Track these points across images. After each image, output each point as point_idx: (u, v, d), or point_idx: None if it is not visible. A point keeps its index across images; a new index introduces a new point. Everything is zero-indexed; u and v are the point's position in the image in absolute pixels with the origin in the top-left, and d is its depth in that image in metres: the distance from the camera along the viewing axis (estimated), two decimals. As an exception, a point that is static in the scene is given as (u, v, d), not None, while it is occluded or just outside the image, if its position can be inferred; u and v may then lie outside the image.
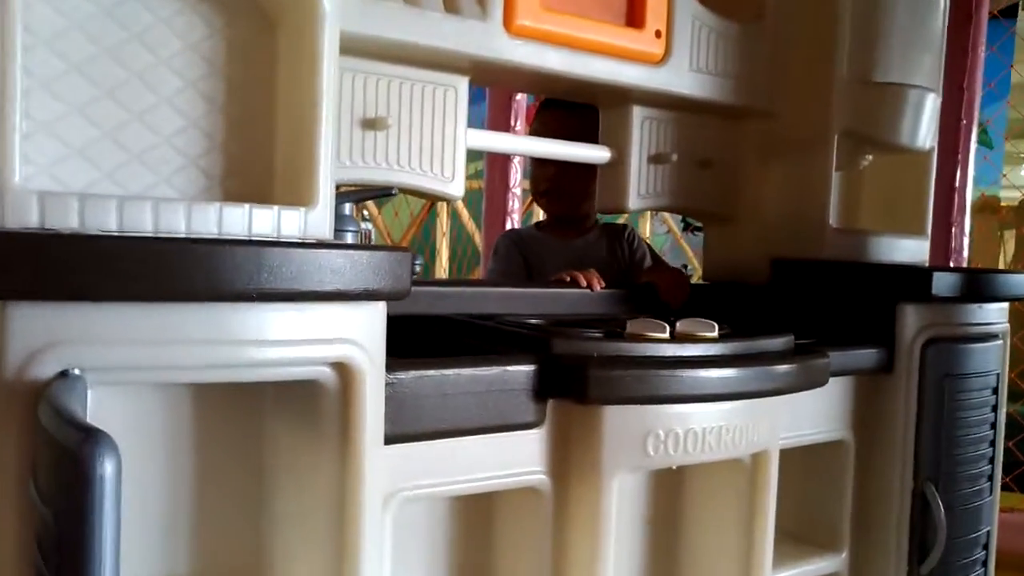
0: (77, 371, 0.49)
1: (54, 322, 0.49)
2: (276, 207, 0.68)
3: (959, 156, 1.88)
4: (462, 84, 0.91)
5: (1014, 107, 4.51)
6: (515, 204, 2.20)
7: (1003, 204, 3.59)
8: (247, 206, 0.66)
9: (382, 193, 0.87)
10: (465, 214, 3.56)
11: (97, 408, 0.53)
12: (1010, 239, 4.30)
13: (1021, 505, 2.03)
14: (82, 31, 0.67)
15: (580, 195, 1.29)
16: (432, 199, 0.94)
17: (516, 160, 2.19)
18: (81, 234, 0.52)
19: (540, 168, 1.34)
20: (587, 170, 1.14)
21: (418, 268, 0.87)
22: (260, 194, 0.74)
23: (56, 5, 0.65)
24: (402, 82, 0.87)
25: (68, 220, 0.61)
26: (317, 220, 0.69)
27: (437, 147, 0.90)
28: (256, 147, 0.74)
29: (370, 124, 0.85)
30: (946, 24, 1.13)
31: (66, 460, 0.37)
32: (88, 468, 0.35)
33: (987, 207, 3.47)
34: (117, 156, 0.69)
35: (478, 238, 4.00)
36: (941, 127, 1.90)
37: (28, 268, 0.48)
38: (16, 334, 0.48)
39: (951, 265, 1.89)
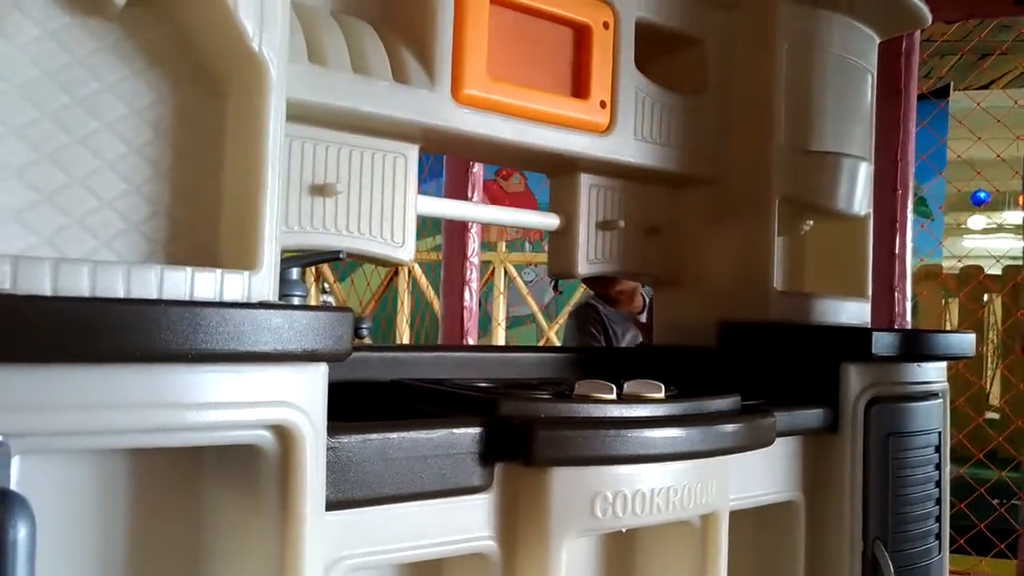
0: (2, 439, 0.47)
1: (-20, 385, 0.48)
2: (219, 270, 0.67)
3: (897, 224, 1.95)
4: (412, 151, 0.93)
5: (950, 182, 4.71)
6: (473, 274, 2.21)
7: (945, 272, 3.72)
8: (189, 269, 0.66)
9: (329, 257, 0.87)
10: (424, 282, 3.57)
11: (23, 474, 0.51)
12: (954, 306, 4.44)
13: (979, 568, 2.03)
14: (23, 94, 0.67)
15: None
16: (382, 264, 0.94)
17: (473, 231, 2.22)
18: (2, 294, 0.51)
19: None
20: None
21: (365, 332, 0.86)
22: (205, 259, 0.74)
23: (2, 73, 0.66)
24: (352, 149, 0.88)
25: (39, 287, 0.59)
26: (261, 284, 0.69)
27: (387, 213, 0.90)
28: (201, 212, 0.74)
29: (319, 190, 0.86)
30: (875, 99, 1.19)
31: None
32: (1, 532, 0.33)
33: (930, 275, 3.59)
34: (57, 220, 0.68)
35: (436, 306, 4.02)
36: (878, 196, 1.98)
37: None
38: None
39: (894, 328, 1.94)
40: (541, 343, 4.57)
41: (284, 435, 0.58)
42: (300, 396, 0.58)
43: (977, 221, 7.52)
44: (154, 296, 0.64)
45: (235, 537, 0.63)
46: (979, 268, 3.90)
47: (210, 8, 0.68)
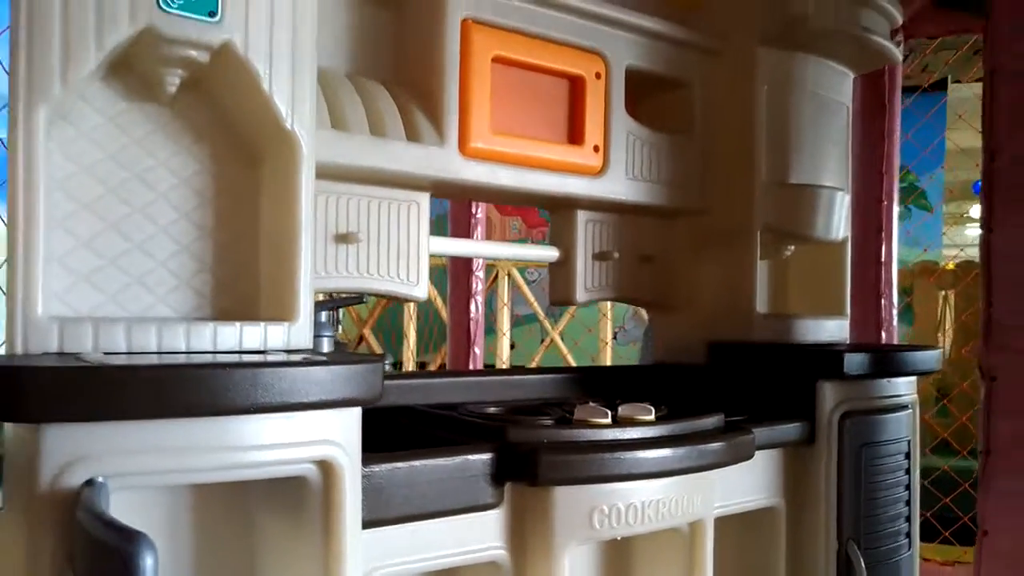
0: (101, 479, 0.58)
1: (80, 439, 0.58)
2: (263, 323, 0.78)
3: (883, 234, 2.04)
4: (424, 199, 1.03)
5: (949, 171, 4.78)
6: (479, 286, 2.32)
7: (943, 266, 3.79)
8: (238, 324, 0.76)
9: (353, 301, 0.97)
10: (433, 291, 3.68)
11: (114, 509, 0.61)
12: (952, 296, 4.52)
13: (964, 558, 2.13)
14: (89, 173, 0.77)
15: None
16: (400, 301, 1.04)
17: (479, 232, 2.32)
18: (100, 365, 0.61)
19: None
20: None
21: (388, 367, 0.96)
22: (246, 309, 0.84)
23: (68, 153, 0.76)
24: (370, 200, 0.98)
25: (83, 343, 0.70)
26: (299, 332, 0.79)
27: (403, 256, 1.01)
28: (242, 267, 0.85)
29: (343, 238, 0.96)
30: (851, 128, 1.28)
31: (111, 558, 0.46)
32: (133, 564, 0.44)
33: (925, 271, 3.67)
34: (120, 280, 0.79)
35: (443, 311, 4.12)
36: (865, 208, 2.07)
37: (57, 396, 0.57)
38: (49, 451, 0.57)
39: (883, 335, 2.04)
40: (545, 345, 4.67)
41: (326, 468, 0.68)
42: (339, 434, 0.69)
43: (978, 210, 7.59)
44: (209, 348, 0.75)
45: (284, 556, 0.73)
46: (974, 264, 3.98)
47: (249, 93, 0.78)
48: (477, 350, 2.37)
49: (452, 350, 2.38)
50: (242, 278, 0.84)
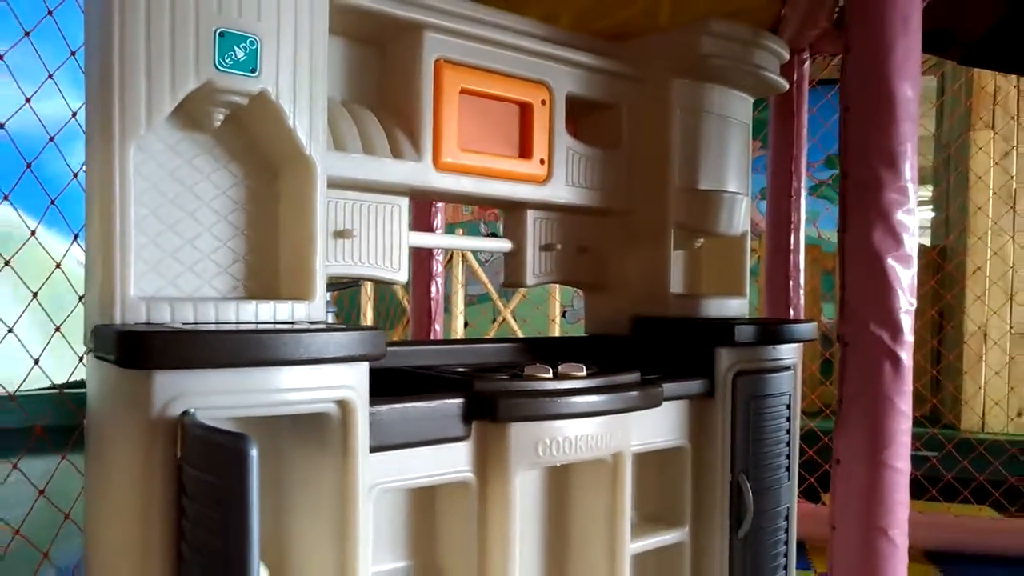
0: (193, 410, 0.83)
1: (180, 382, 0.82)
2: (290, 302, 1.03)
3: (792, 225, 2.35)
4: (404, 202, 1.28)
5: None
6: (438, 268, 2.57)
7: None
8: (272, 302, 1.01)
9: (352, 284, 1.22)
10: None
11: (197, 433, 0.86)
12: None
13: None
14: (155, 188, 1.01)
15: None
16: (386, 284, 1.29)
17: (440, 216, 2.58)
18: (193, 329, 0.86)
19: None
20: None
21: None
22: (269, 290, 1.09)
23: (140, 172, 0.99)
24: (362, 204, 1.23)
25: (163, 315, 0.95)
26: (316, 308, 1.05)
27: (388, 248, 1.26)
28: (266, 258, 1.09)
29: (340, 234, 1.20)
30: (750, 146, 1.57)
31: (226, 450, 0.71)
32: (243, 451, 0.69)
33: (807, 255, 4.02)
34: (176, 268, 1.03)
35: (400, 293, 4.36)
36: (777, 203, 2.38)
37: (165, 351, 0.81)
38: (158, 390, 0.82)
39: (791, 313, 2.35)
40: (498, 322, 4.94)
41: (344, 406, 0.94)
42: (354, 382, 0.94)
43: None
44: (251, 319, 1.00)
45: (310, 476, 0.98)
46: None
47: (277, 127, 1.03)
48: (437, 327, 2.63)
49: (414, 328, 2.64)
50: (266, 266, 1.09)
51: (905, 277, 1.26)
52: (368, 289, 4.12)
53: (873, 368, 1.26)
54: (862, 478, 1.27)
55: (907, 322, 1.26)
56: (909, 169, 1.27)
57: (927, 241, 4.11)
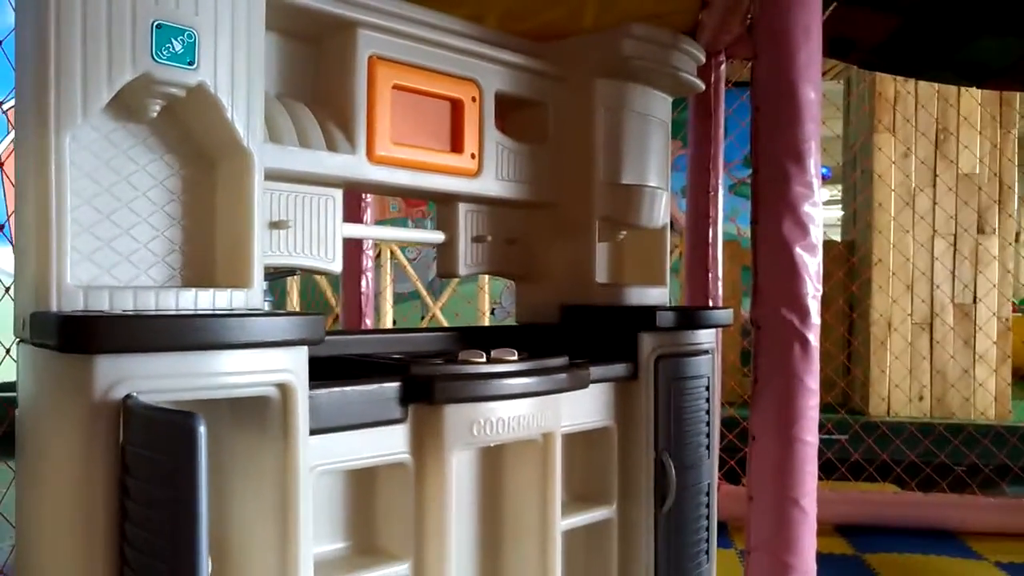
0: (135, 393, 0.84)
1: (122, 366, 0.84)
2: (229, 290, 1.05)
3: (710, 220, 2.46)
4: (338, 194, 1.31)
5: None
6: (369, 263, 2.59)
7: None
8: (212, 290, 1.03)
9: (287, 273, 1.24)
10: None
11: (140, 417, 0.88)
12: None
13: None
14: (90, 177, 1.02)
15: None
16: (321, 274, 1.31)
17: (368, 211, 2.59)
18: (134, 314, 0.87)
19: None
20: None
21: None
22: (206, 279, 1.10)
23: (75, 161, 1.00)
24: (297, 195, 1.25)
25: (101, 304, 0.95)
26: (254, 296, 1.07)
27: (323, 238, 1.28)
28: (203, 247, 1.11)
29: (276, 225, 1.23)
30: (669, 144, 1.65)
31: (174, 428, 0.74)
32: (194, 430, 0.72)
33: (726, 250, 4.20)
34: (112, 258, 1.03)
35: (326, 288, 4.35)
36: (696, 198, 2.49)
37: (107, 335, 0.83)
38: (100, 374, 0.83)
39: (710, 303, 2.47)
40: (427, 319, 4.96)
41: (284, 389, 0.97)
42: (294, 365, 0.97)
43: (822, 194, 8.45)
44: (191, 307, 1.02)
45: (249, 461, 1.01)
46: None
47: (215, 119, 1.05)
48: (368, 322, 2.65)
49: (345, 323, 2.65)
50: (202, 255, 1.11)
51: (812, 265, 1.36)
52: (289, 283, 4.10)
53: (784, 349, 1.35)
54: (775, 452, 1.37)
55: (814, 306, 1.35)
56: (813, 165, 1.36)
57: (837, 237, 4.34)
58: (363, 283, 2.58)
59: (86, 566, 0.82)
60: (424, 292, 4.97)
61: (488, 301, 4.74)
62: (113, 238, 1.03)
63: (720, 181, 2.52)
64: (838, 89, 4.26)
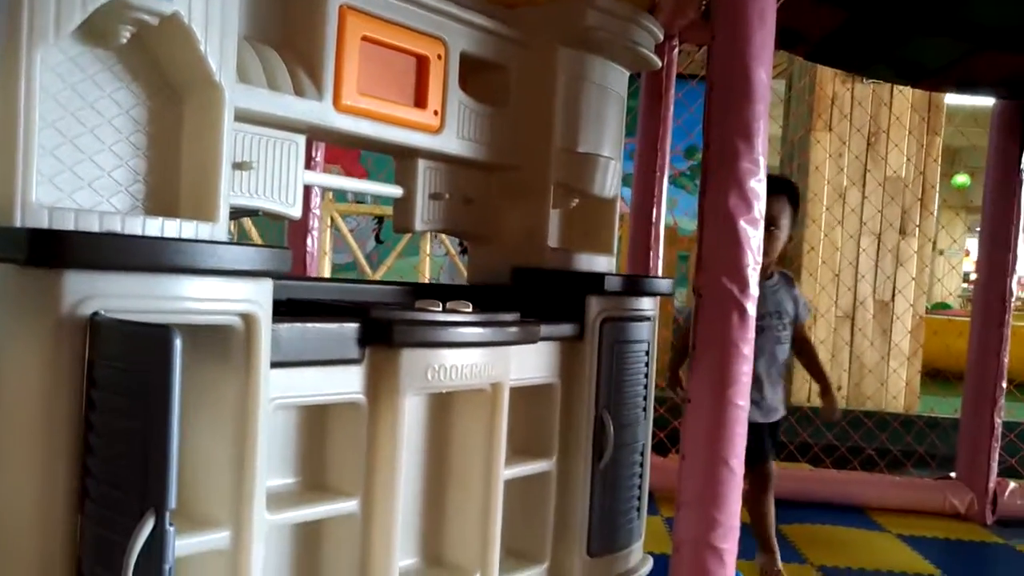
0: (103, 312, 0.85)
1: (90, 282, 0.85)
2: (195, 222, 1.06)
3: (654, 198, 2.54)
4: (301, 140, 1.31)
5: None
6: (315, 223, 2.58)
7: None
8: (178, 220, 1.04)
9: (250, 213, 1.25)
10: (254, 231, 3.86)
11: (104, 337, 0.88)
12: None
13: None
14: (55, 100, 1.01)
15: (769, 255, 1.94)
16: (281, 218, 1.32)
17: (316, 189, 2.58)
18: (106, 232, 0.88)
19: None
20: (773, 236, 1.84)
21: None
22: (168, 211, 1.11)
23: (42, 84, 0.99)
24: (262, 138, 1.26)
25: (66, 225, 0.95)
26: (220, 231, 1.08)
27: (284, 183, 1.29)
28: (167, 180, 1.11)
29: (239, 165, 1.23)
30: (624, 117, 1.71)
31: (149, 341, 0.75)
32: (171, 341, 0.74)
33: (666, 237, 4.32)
34: (74, 182, 1.03)
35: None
36: (642, 177, 2.56)
37: (77, 250, 0.84)
38: (68, 289, 0.84)
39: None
40: (366, 289, 4.94)
41: (248, 320, 0.99)
42: (258, 297, 0.99)
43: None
44: (158, 235, 1.02)
45: (211, 392, 1.02)
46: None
47: (187, 51, 1.05)
48: (312, 282, 2.64)
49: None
50: (166, 188, 1.11)
51: (754, 238, 1.44)
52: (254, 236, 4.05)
53: (722, 317, 1.42)
54: (709, 414, 1.44)
55: (753, 277, 1.43)
56: (761, 144, 1.44)
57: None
58: (308, 241, 2.58)
59: (48, 477, 0.83)
60: (363, 262, 4.95)
61: (428, 275, 4.75)
62: (76, 163, 1.03)
63: (667, 161, 2.59)
64: (779, 88, 4.40)
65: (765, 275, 2.00)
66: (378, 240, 6.91)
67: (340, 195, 6.38)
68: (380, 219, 6.62)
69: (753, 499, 2.05)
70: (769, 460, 2.08)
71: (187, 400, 1.03)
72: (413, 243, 5.02)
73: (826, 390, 2.13)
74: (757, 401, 1.96)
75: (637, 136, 2.59)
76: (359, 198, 6.18)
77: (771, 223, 1.86)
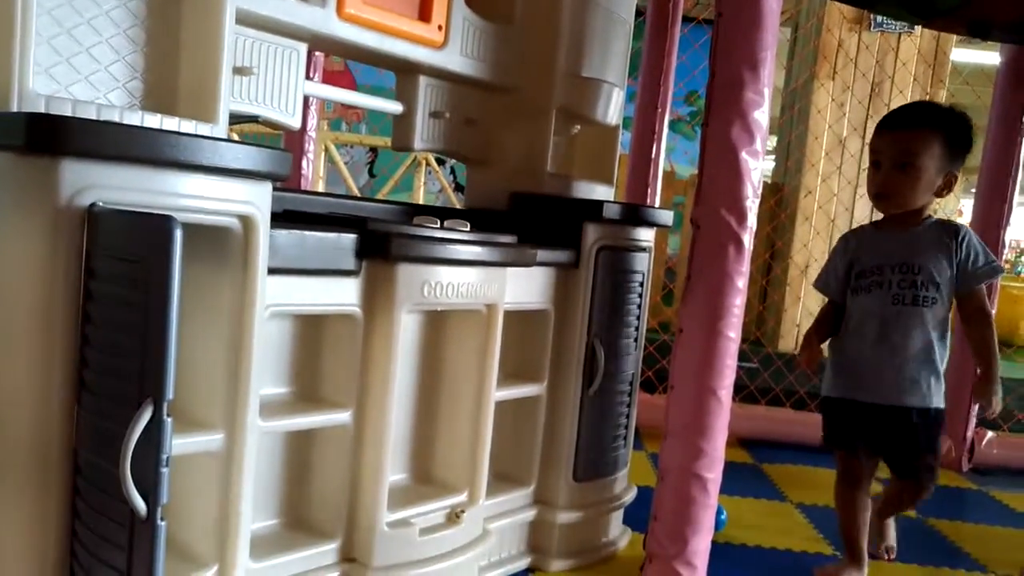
0: (101, 203, 0.84)
1: (89, 172, 0.83)
2: (195, 121, 1.04)
3: (655, 135, 2.51)
4: (303, 49, 1.28)
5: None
6: (311, 146, 2.55)
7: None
8: (177, 118, 1.02)
9: (250, 119, 1.23)
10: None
11: (102, 231, 0.87)
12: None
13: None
14: (51, -11, 0.98)
15: (904, 196, 1.57)
16: (280, 128, 1.30)
17: (313, 107, 2.54)
18: (107, 121, 0.86)
19: (873, 175, 1.62)
20: (909, 176, 1.54)
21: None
22: (167, 111, 1.08)
23: (37, -29, 0.96)
24: (263, 43, 1.23)
25: (64, 113, 0.93)
26: (219, 132, 1.06)
27: (284, 91, 1.27)
28: (165, 79, 1.08)
29: (240, 71, 1.21)
30: (630, 42, 1.68)
31: (150, 228, 0.74)
32: (172, 229, 0.73)
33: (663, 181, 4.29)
34: (71, 75, 1.01)
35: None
36: (642, 113, 2.53)
37: (78, 137, 0.82)
38: (66, 178, 0.82)
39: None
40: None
41: (247, 222, 0.98)
42: (257, 199, 0.98)
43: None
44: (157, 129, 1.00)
45: (207, 292, 1.01)
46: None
47: (186, -58, 1.01)
48: (306, 206, 2.62)
49: (282, 204, 2.61)
50: (164, 87, 1.08)
51: (754, 171, 1.42)
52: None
53: (719, 248, 1.42)
54: (700, 344, 1.45)
55: (752, 209, 1.42)
56: (767, 75, 1.41)
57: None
58: (304, 163, 2.55)
59: (45, 368, 0.83)
60: (357, 193, 4.92)
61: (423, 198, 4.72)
62: (73, 55, 1.00)
63: (669, 99, 2.56)
64: (783, 37, 4.33)
65: (898, 221, 1.63)
66: (371, 174, 6.84)
67: (335, 124, 6.28)
68: (374, 151, 6.55)
69: (836, 492, 1.68)
70: (860, 453, 1.63)
71: (183, 304, 1.03)
72: (407, 177, 4.98)
73: (983, 376, 1.61)
74: (849, 376, 1.63)
75: (640, 71, 2.54)
76: (356, 129, 6.10)
77: (905, 159, 1.56)
